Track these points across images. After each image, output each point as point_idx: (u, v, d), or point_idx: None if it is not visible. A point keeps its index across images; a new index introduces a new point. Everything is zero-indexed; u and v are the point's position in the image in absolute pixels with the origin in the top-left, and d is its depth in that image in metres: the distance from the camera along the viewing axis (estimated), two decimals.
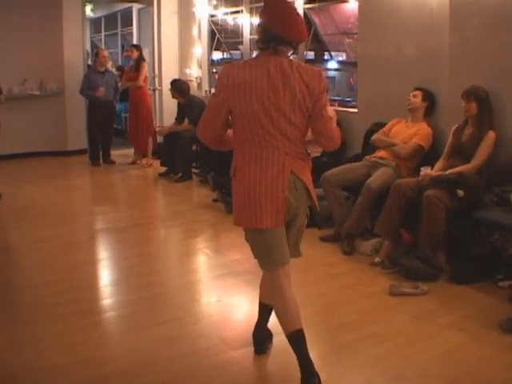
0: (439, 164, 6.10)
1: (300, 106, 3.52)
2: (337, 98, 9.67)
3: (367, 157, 6.75)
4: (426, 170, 5.94)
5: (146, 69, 11.15)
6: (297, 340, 3.69)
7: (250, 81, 3.49)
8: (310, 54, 9.91)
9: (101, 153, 11.81)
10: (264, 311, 4.29)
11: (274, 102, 3.48)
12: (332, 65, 10.39)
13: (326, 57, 10.64)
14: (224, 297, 5.36)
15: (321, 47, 10.36)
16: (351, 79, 11.19)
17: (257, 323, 4.37)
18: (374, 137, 6.81)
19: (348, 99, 10.07)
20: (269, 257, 3.69)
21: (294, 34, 3.54)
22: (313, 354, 3.65)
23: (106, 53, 11.86)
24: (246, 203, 3.59)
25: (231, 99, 3.54)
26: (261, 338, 4.33)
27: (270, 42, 3.55)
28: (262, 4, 9.74)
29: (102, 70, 11.50)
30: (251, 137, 3.57)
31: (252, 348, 4.30)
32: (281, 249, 3.68)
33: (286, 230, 3.72)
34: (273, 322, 4.04)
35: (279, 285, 3.70)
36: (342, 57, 10.51)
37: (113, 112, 12.03)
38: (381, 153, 6.62)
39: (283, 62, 3.52)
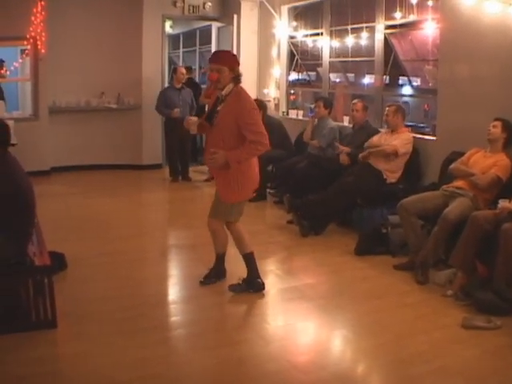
0: None
1: None
2: (410, 124, 9.56)
3: (445, 186, 6.64)
4: (503, 203, 5.83)
5: None
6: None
7: None
8: (386, 79, 9.85)
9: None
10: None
11: None
12: (406, 90, 10.31)
13: (400, 82, 10.58)
14: (295, 321, 5.35)
15: (396, 72, 10.29)
16: (426, 105, 11.09)
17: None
18: (453, 166, 6.72)
19: (421, 125, 10.02)
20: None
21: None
22: None
23: (183, 70, 11.97)
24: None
25: None
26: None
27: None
28: (342, 27, 10.13)
29: (179, 86, 11.64)
30: None
31: (323, 373, 4.29)
32: None
33: None
34: None
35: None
36: (417, 82, 10.42)
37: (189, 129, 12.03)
38: (458, 183, 6.52)
39: None
